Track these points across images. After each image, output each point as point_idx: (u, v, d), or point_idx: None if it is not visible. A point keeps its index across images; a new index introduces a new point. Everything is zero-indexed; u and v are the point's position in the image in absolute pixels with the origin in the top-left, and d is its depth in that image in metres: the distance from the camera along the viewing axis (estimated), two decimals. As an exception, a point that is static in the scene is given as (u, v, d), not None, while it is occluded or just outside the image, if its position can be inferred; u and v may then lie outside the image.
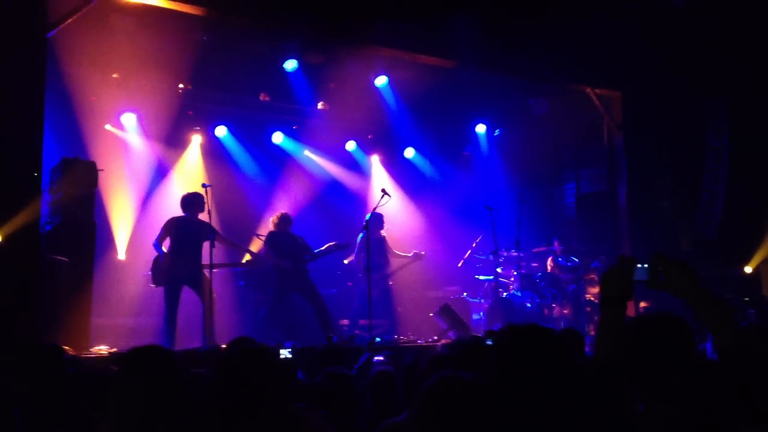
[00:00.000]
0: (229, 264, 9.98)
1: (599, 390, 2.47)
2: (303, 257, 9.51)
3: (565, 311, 10.54)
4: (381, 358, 4.71)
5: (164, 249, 8.43)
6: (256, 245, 10.33)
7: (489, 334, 3.80)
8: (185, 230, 8.48)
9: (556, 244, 11.05)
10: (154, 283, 8.52)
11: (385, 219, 10.30)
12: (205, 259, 8.33)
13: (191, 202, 8.57)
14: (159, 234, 8.50)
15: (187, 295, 8.55)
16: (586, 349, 5.12)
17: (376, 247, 9.33)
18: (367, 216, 9.28)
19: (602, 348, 2.28)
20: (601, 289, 2.47)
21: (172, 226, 8.52)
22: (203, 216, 8.51)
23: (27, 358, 3.10)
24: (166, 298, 8.37)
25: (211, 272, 8.37)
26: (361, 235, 9.80)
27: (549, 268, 10.85)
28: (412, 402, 2.90)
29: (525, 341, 2.21)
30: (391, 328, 9.98)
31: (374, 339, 8.02)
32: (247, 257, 9.80)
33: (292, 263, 9.35)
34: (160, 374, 2.62)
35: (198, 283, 8.40)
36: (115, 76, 10.13)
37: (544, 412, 2.10)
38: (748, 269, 10.82)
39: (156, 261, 8.45)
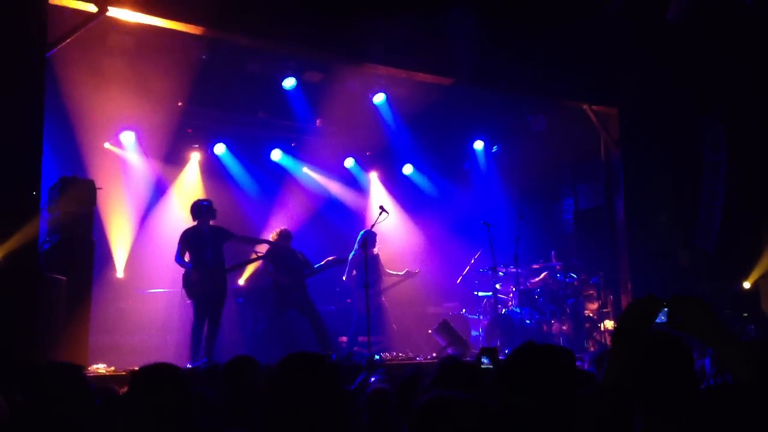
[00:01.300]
0: (239, 264, 9.89)
1: (603, 414, 2.48)
2: (302, 273, 9.51)
3: (564, 327, 10.52)
4: (377, 376, 4.70)
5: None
6: (253, 265, 10.39)
7: (485, 351, 3.76)
8: (202, 239, 8.51)
9: (553, 256, 11.04)
10: (190, 297, 8.52)
11: (381, 236, 10.32)
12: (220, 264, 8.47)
13: (201, 210, 8.60)
14: (178, 249, 8.52)
15: (177, 310, 8.57)
16: (579, 364, 5.10)
17: (369, 264, 9.35)
18: (361, 233, 9.30)
19: (610, 376, 2.26)
20: (619, 319, 2.45)
21: (188, 238, 8.55)
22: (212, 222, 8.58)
23: (48, 375, 3.05)
24: (195, 312, 8.45)
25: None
26: (353, 252, 9.85)
27: (540, 278, 10.81)
28: (406, 420, 2.89)
29: (537, 363, 2.21)
30: (389, 345, 9.95)
31: (373, 357, 7.99)
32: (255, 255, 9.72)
33: (291, 279, 9.36)
34: (172, 393, 2.59)
35: (219, 295, 8.49)
36: (114, 94, 10.16)
37: None
38: (746, 284, 10.81)
39: (186, 275, 8.45)
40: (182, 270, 8.50)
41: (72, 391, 3.00)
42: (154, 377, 2.67)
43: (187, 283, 8.43)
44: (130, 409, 2.56)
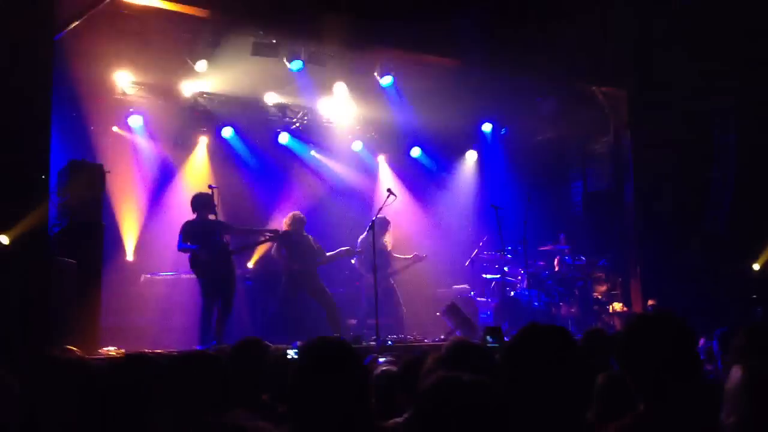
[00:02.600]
0: (248, 246, 9.94)
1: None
2: (314, 258, 9.51)
3: (573, 310, 10.52)
4: (385, 358, 4.70)
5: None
6: (263, 247, 10.41)
7: (489, 331, 3.78)
8: (199, 232, 8.52)
9: (562, 239, 11.02)
10: (199, 277, 8.58)
11: (390, 223, 10.27)
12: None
13: (200, 203, 8.61)
14: (180, 237, 8.54)
15: (187, 293, 8.61)
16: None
17: (378, 249, 9.35)
18: (374, 218, 9.28)
19: None
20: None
21: (190, 229, 8.57)
22: (212, 216, 8.58)
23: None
24: (203, 295, 8.53)
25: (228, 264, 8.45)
26: (363, 235, 9.83)
27: (556, 267, 10.82)
28: (411, 401, 2.91)
29: (544, 343, 2.21)
30: (397, 328, 9.98)
31: (386, 341, 8.00)
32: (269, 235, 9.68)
33: (303, 266, 9.35)
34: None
35: (228, 283, 8.50)
36: (121, 78, 10.18)
37: (552, 419, 2.10)
38: (756, 266, 10.78)
39: (193, 256, 8.48)
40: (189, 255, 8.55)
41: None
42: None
43: (195, 263, 8.46)
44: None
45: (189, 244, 8.44)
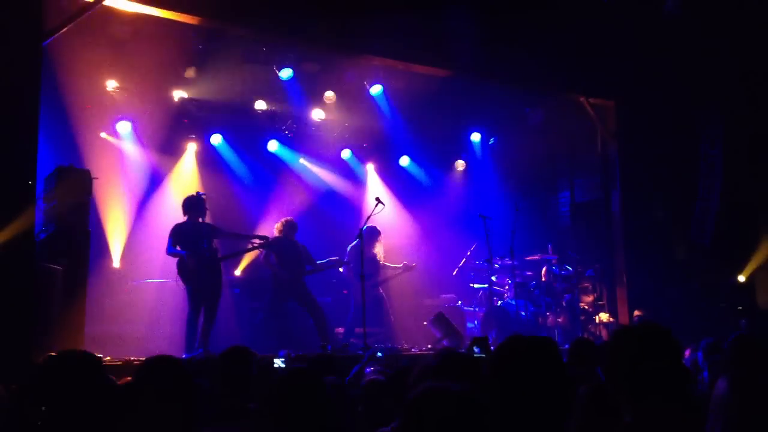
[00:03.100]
0: (237, 253, 9.86)
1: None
2: (303, 266, 9.48)
3: (560, 320, 10.54)
4: (372, 367, 4.71)
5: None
6: (251, 255, 10.38)
7: (476, 341, 3.79)
8: (185, 236, 8.47)
9: (550, 250, 11.05)
10: (185, 283, 8.51)
11: (381, 233, 10.27)
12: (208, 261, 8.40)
13: (191, 206, 8.57)
14: (168, 242, 8.49)
15: (173, 301, 8.56)
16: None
17: (368, 258, 9.34)
18: (363, 227, 9.28)
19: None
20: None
21: (179, 232, 8.52)
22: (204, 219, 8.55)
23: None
24: (190, 302, 8.46)
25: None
26: (353, 243, 9.82)
27: (543, 277, 10.85)
28: (399, 411, 2.91)
29: (530, 354, 2.22)
30: (386, 337, 9.97)
31: (376, 353, 7.97)
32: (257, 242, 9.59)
33: (292, 273, 9.31)
34: (175, 385, 2.60)
35: (214, 288, 8.44)
36: (110, 84, 10.16)
37: (535, 428, 2.11)
38: (741, 278, 10.85)
39: (181, 261, 8.43)
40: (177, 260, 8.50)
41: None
42: (155, 369, 2.67)
43: (183, 269, 8.42)
44: (134, 401, 2.57)
45: (178, 248, 8.40)
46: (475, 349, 3.68)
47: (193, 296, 8.45)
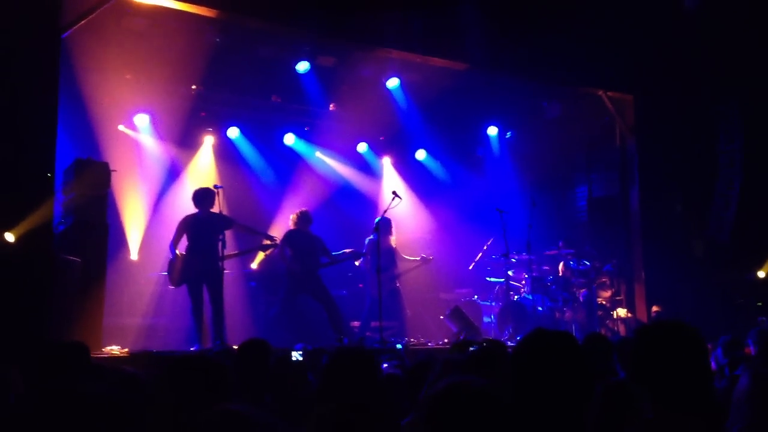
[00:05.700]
0: (246, 251, 9.83)
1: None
2: (317, 259, 9.46)
3: (577, 315, 10.49)
4: (389, 362, 4.70)
5: (178, 251, 8.44)
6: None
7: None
8: (200, 227, 8.46)
9: (566, 244, 10.98)
10: (172, 283, 8.55)
11: (394, 222, 10.25)
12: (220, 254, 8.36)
13: (202, 197, 8.56)
14: (174, 235, 8.50)
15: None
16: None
17: (384, 250, 9.32)
18: (377, 219, 9.27)
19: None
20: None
21: (187, 224, 8.50)
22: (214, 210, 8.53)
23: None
24: (190, 296, 8.43)
25: (222, 266, 8.38)
26: (370, 237, 9.81)
27: (560, 272, 10.80)
28: (417, 404, 2.90)
29: (550, 348, 2.20)
30: (401, 331, 9.96)
31: (395, 346, 7.95)
32: (267, 242, 9.47)
33: (306, 266, 9.29)
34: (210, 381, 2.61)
35: (214, 281, 8.38)
36: (128, 77, 10.20)
37: (556, 423, 2.09)
38: (761, 274, 10.74)
39: (171, 262, 8.47)
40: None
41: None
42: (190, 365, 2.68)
43: (171, 270, 8.44)
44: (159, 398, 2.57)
45: (178, 245, 8.40)
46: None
47: (189, 290, 8.41)
